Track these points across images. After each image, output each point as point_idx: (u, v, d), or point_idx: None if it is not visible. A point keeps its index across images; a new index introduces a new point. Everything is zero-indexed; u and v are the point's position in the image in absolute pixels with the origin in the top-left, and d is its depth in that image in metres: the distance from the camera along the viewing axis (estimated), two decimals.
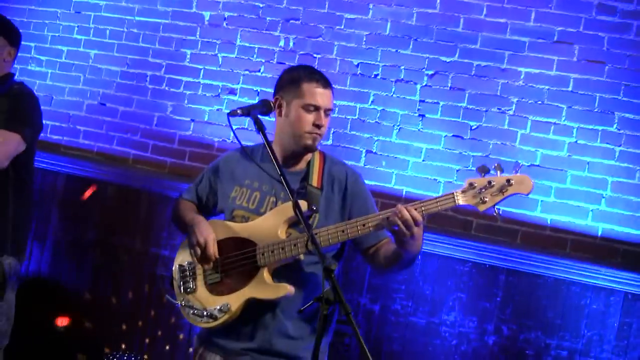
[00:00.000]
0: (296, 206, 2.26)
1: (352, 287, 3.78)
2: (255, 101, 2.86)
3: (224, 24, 4.24)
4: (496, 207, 2.28)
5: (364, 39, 3.95)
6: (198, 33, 4.29)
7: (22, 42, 4.50)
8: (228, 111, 2.41)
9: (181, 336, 2.69)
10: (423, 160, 3.77)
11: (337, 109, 3.92)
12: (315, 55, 4.04)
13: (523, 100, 3.68)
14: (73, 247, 4.38)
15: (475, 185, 2.28)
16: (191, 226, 2.66)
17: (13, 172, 3.08)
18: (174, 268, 2.74)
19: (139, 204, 4.24)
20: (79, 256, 4.36)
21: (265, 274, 2.52)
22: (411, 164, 3.80)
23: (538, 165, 3.63)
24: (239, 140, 2.44)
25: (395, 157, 3.82)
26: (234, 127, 2.39)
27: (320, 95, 2.57)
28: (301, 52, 4.05)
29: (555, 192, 3.59)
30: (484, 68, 3.74)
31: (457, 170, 3.72)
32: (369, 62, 3.92)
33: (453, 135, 3.74)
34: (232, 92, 4.16)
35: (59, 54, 4.60)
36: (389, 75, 3.88)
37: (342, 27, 4.00)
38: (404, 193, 3.80)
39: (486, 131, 3.70)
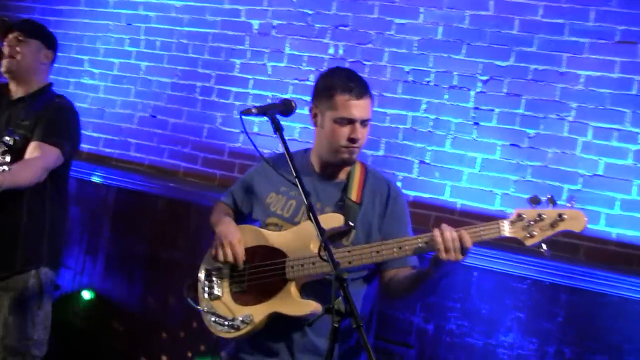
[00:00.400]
0: (310, 209, 2.30)
1: (404, 305, 3.90)
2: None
3: (273, 33, 4.43)
4: (544, 244, 2.30)
5: (415, 45, 4.05)
6: (247, 42, 4.50)
7: (75, 55, 4.97)
8: (242, 110, 2.48)
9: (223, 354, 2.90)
10: (478, 171, 3.83)
11: (388, 117, 4.05)
12: (365, 63, 4.16)
13: (583, 105, 3.67)
14: (124, 260, 4.68)
15: (524, 217, 2.32)
16: (217, 227, 2.76)
17: (50, 184, 3.36)
18: (200, 271, 2.82)
19: (188, 217, 4.47)
20: (129, 269, 4.66)
21: (293, 288, 2.59)
22: (466, 175, 3.85)
23: (601, 175, 3.61)
24: (253, 144, 2.48)
25: (449, 168, 3.88)
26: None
27: (355, 108, 2.59)
28: (351, 60, 4.18)
29: (621, 204, 3.56)
30: (541, 72, 3.76)
31: (515, 181, 3.74)
32: (421, 68, 4.01)
33: (510, 144, 3.77)
34: None
35: (111, 67, 4.92)
36: (441, 82, 3.96)
37: (393, 32, 4.11)
38: (458, 206, 3.87)
39: (544, 139, 3.72)
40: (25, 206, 3.34)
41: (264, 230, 2.75)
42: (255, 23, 4.48)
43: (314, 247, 2.58)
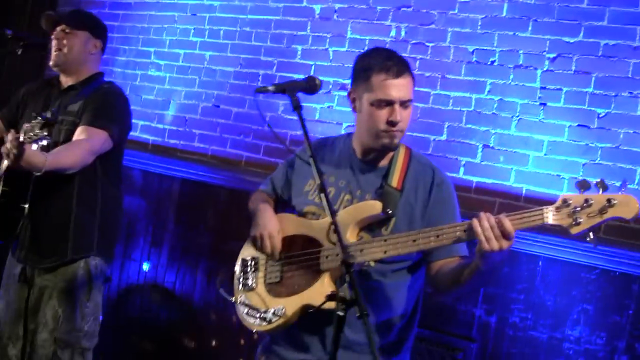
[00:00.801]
0: (322, 189, 2.34)
1: (465, 297, 4.00)
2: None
3: (335, 17, 4.60)
4: (591, 232, 2.25)
5: (479, 23, 4.11)
6: (309, 28, 4.70)
7: (143, 48, 5.35)
8: (257, 88, 2.52)
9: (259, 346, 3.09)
10: (545, 154, 3.85)
11: (451, 100, 4.13)
12: (427, 44, 4.25)
13: None
14: (187, 252, 4.99)
15: (571, 202, 2.26)
16: (255, 216, 2.84)
17: (102, 171, 3.57)
18: (237, 261, 2.92)
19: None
20: (193, 261, 4.97)
21: (327, 279, 2.61)
22: (532, 159, 3.87)
23: None
24: (271, 128, 2.59)
25: (515, 152, 3.92)
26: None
27: (393, 88, 2.59)
28: (413, 42, 4.28)
29: None
30: (613, 47, 3.75)
31: (583, 165, 3.74)
32: (485, 47, 4.07)
33: (578, 125, 3.78)
34: (343, 87, 4.50)
35: (177, 58, 5.23)
36: (506, 61, 4.01)
37: (456, 11, 4.20)
38: (523, 191, 3.89)
39: (616, 119, 3.71)
40: (76, 193, 3.55)
41: (302, 219, 2.81)
42: (317, 7, 4.67)
43: (351, 235, 2.65)
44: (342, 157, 2.87)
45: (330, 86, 4.57)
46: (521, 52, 4.01)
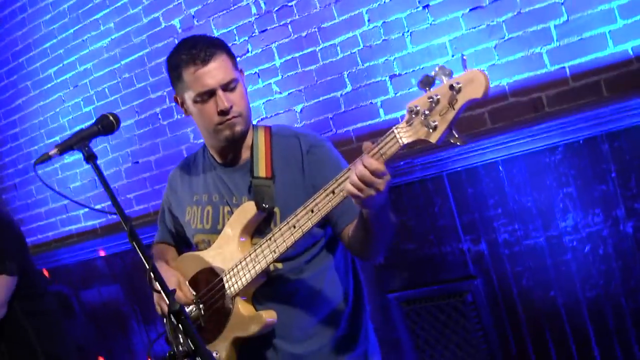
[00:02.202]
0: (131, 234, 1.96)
1: (444, 235, 3.55)
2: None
3: (195, 22, 4.09)
4: (453, 131, 1.79)
5: None
6: None
7: (49, 140, 4.94)
8: (35, 161, 2.07)
9: None
10: (453, 56, 3.31)
11: (338, 48, 3.65)
12: (290, 4, 3.72)
13: None
14: None
15: (419, 108, 1.82)
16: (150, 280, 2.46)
17: (18, 305, 3.19)
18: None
19: None
20: None
21: (241, 305, 2.35)
22: None
23: None
24: (55, 191, 2.22)
25: (422, 68, 3.40)
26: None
27: (206, 76, 2.26)
28: (276, 9, 3.76)
29: (619, 12, 2.99)
30: None
31: (495, 47, 3.19)
32: None
33: (470, 10, 3.26)
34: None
35: None
36: None
37: None
38: None
39: None
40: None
41: (199, 253, 2.50)
42: (177, 22, 4.20)
43: (242, 248, 2.33)
44: (206, 170, 2.51)
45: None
46: None
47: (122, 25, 4.46)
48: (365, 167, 1.89)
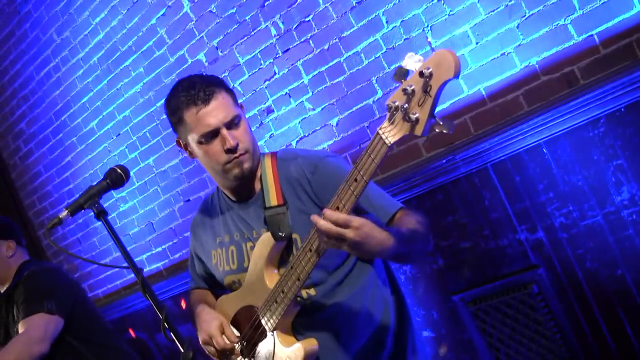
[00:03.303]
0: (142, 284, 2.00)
1: (499, 227, 3.43)
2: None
3: (220, 53, 4.11)
4: (435, 118, 1.72)
5: None
6: None
7: None
8: (48, 227, 2.08)
9: None
10: (477, 43, 3.21)
11: (362, 55, 3.56)
12: (307, 19, 3.67)
13: None
14: None
15: (397, 103, 1.76)
16: (196, 323, 2.52)
17: (83, 347, 3.33)
18: None
19: None
20: None
21: (281, 338, 2.32)
22: (468, 56, 3.26)
23: None
24: (64, 251, 2.28)
25: None
26: None
27: (209, 116, 2.24)
28: (295, 26, 3.74)
29: None
30: None
31: (518, 26, 3.08)
32: None
33: None
34: (269, 111, 4.09)
35: (130, 182, 5.03)
36: None
37: None
38: (483, 92, 3.24)
39: None
40: None
41: (235, 293, 2.49)
42: (202, 56, 4.24)
43: (270, 281, 2.29)
44: (223, 211, 2.50)
45: (258, 117, 4.11)
46: None
47: (151, 68, 4.51)
48: (326, 218, 1.88)
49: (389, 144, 1.81)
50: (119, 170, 2.19)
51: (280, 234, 2.26)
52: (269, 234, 2.28)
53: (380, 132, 1.82)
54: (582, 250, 3.19)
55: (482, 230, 3.43)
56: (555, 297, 3.31)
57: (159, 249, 4.90)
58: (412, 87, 1.72)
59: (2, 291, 3.52)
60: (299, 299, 2.30)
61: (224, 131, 2.25)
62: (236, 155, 2.27)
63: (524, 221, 3.30)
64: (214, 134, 2.26)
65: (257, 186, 2.40)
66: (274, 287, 2.25)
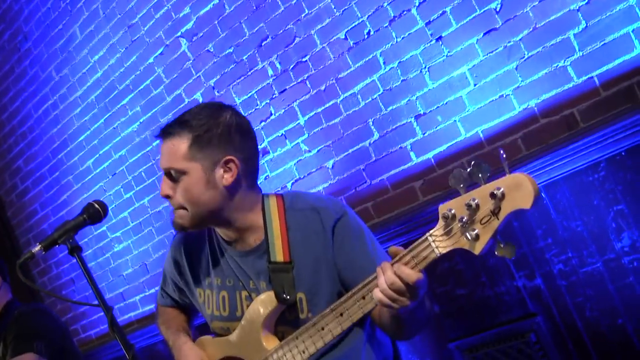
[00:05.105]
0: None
1: (496, 274, 3.31)
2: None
3: (216, 93, 4.09)
4: (499, 240, 1.63)
5: (334, 7, 3.48)
6: None
7: (97, 231, 4.97)
8: (20, 262, 1.99)
9: None
10: (475, 85, 3.13)
11: (359, 96, 3.47)
12: (304, 59, 3.61)
13: None
14: None
15: (454, 212, 1.65)
16: (174, 349, 2.40)
17: None
18: None
19: None
20: None
21: None
22: (466, 98, 3.17)
23: None
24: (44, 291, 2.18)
25: (446, 103, 3.21)
26: None
27: (161, 154, 2.18)
28: (292, 66, 3.69)
29: None
30: None
31: (516, 68, 3.03)
32: (353, 24, 3.42)
33: (484, 34, 3.05)
34: (265, 152, 4.08)
35: (125, 222, 4.85)
36: (380, 23, 3.35)
37: (307, 11, 3.56)
38: (481, 135, 3.15)
39: (514, 2, 3.02)
40: None
41: (220, 339, 2.34)
42: (199, 96, 4.24)
43: (267, 342, 2.16)
44: (215, 250, 2.33)
45: None
46: (386, 4, 3.37)
47: (148, 107, 4.45)
48: (399, 276, 1.73)
49: (438, 254, 1.72)
50: (96, 206, 2.09)
51: (285, 296, 2.12)
52: (271, 294, 2.15)
53: (430, 238, 1.72)
54: (581, 298, 3.07)
55: (479, 277, 3.32)
56: (554, 346, 3.17)
57: (152, 290, 4.78)
58: (477, 202, 1.62)
59: None
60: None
61: (164, 177, 2.17)
62: (173, 207, 2.18)
63: (522, 267, 3.19)
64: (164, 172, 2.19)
65: (258, 234, 2.23)
66: (273, 351, 2.16)
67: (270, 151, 3.95)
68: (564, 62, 2.96)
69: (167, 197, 2.15)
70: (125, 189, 4.76)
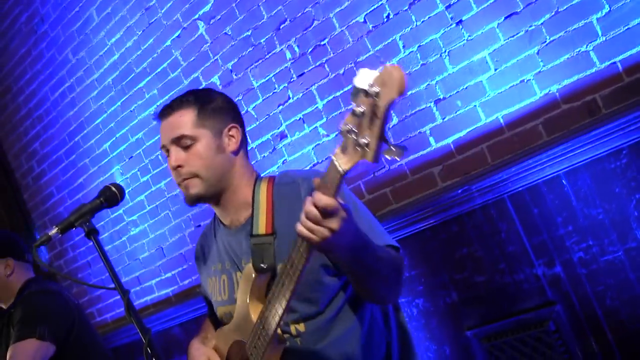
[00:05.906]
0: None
1: (515, 261, 3.30)
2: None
3: (234, 76, 4.07)
4: (390, 141, 1.58)
5: None
6: None
7: (113, 215, 4.98)
8: (36, 244, 2.02)
9: None
10: (496, 69, 3.10)
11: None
12: (323, 43, 3.61)
13: None
14: None
15: (348, 126, 1.61)
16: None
17: None
18: None
19: None
20: None
21: None
22: (486, 83, 3.14)
23: None
24: (51, 269, 2.19)
25: (466, 88, 3.21)
26: None
27: (161, 132, 2.26)
28: (310, 50, 3.70)
29: None
30: None
31: (538, 52, 2.99)
32: (373, 7, 3.42)
33: (505, 18, 3.05)
34: (282, 136, 4.09)
35: (142, 206, 4.90)
36: (400, 6, 3.34)
37: None
38: (502, 121, 3.14)
39: None
40: None
41: (225, 327, 2.37)
42: (216, 79, 4.23)
43: (254, 314, 2.15)
44: (217, 236, 2.41)
45: (272, 142, 4.04)
46: None
47: (165, 90, 4.47)
48: (314, 203, 1.72)
49: (342, 172, 1.66)
50: (113, 189, 2.12)
51: (262, 265, 2.14)
52: (250, 265, 2.17)
53: (334, 158, 1.68)
54: (602, 287, 3.06)
55: (498, 264, 3.31)
56: (573, 335, 3.17)
57: (169, 274, 4.81)
58: (362, 109, 1.57)
59: (4, 308, 3.46)
60: (286, 335, 2.18)
61: (172, 149, 2.23)
62: (179, 176, 2.23)
63: (542, 255, 3.18)
64: (166, 151, 2.25)
65: (247, 212, 2.28)
66: (256, 322, 2.13)
67: (288, 135, 3.95)
68: (587, 47, 2.93)
69: (179, 167, 2.21)
70: (142, 172, 4.79)
